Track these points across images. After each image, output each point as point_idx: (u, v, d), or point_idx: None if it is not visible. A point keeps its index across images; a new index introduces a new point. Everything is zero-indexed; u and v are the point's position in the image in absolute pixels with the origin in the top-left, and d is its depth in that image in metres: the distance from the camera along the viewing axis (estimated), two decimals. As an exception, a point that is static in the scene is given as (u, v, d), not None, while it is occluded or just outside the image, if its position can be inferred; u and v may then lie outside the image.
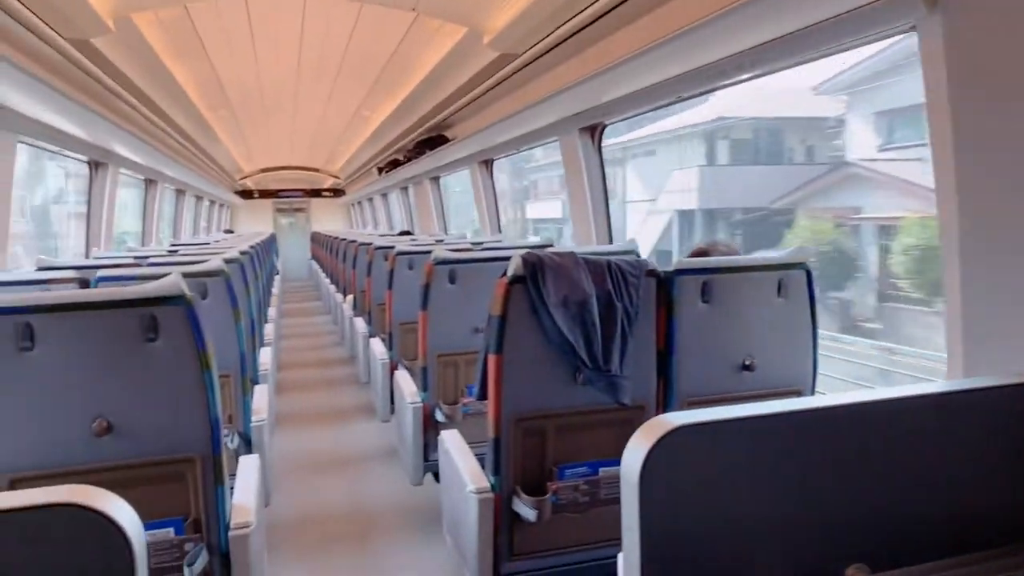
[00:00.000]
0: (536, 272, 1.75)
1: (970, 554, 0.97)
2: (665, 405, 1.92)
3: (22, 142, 3.35)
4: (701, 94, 2.85)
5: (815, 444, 0.92)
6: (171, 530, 1.51)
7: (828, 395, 0.99)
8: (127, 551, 0.76)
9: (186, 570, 1.48)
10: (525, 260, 1.76)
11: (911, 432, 0.97)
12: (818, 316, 1.98)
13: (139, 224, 6.86)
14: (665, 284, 1.87)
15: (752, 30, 2.10)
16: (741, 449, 0.90)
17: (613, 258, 1.87)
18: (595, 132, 3.70)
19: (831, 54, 2.13)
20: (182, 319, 1.48)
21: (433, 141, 6.23)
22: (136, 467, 1.48)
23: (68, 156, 4.48)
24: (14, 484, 1.41)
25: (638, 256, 2.48)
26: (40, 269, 2.48)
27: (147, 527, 1.48)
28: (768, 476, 0.91)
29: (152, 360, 1.48)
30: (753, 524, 0.90)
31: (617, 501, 1.86)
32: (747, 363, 1.93)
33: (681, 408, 1.69)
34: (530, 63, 3.44)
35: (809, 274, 1.96)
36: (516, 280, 1.76)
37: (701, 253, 2.07)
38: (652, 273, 1.88)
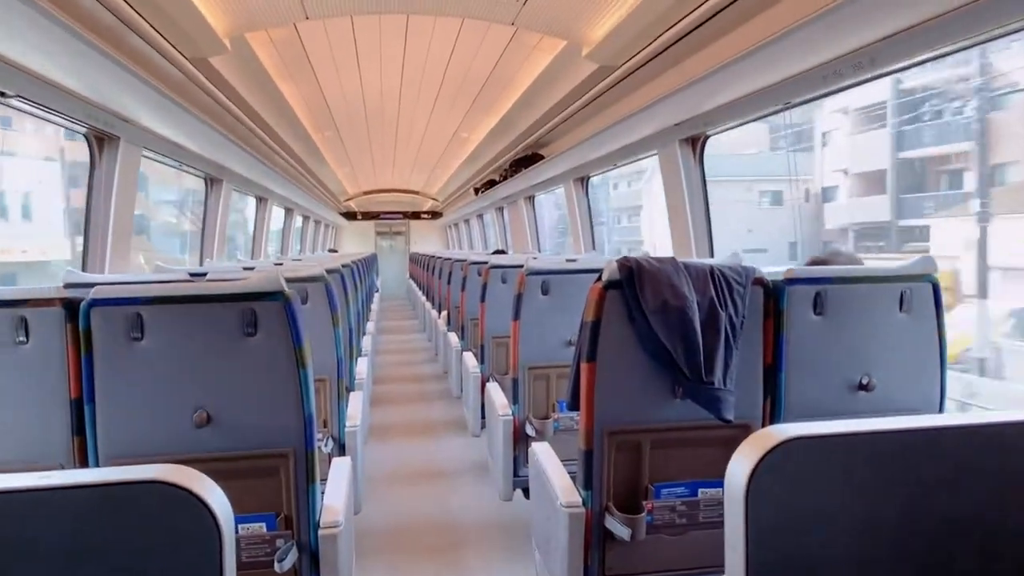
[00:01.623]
0: (633, 276, 1.67)
1: None
2: (772, 424, 1.79)
3: (146, 156, 3.61)
4: (813, 99, 2.68)
5: (936, 464, 0.84)
6: (263, 524, 1.53)
7: (951, 414, 0.88)
8: (217, 533, 0.76)
9: (276, 565, 1.49)
10: (621, 264, 1.69)
11: None
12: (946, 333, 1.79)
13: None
14: (774, 294, 1.75)
15: (868, 24, 1.96)
16: (858, 466, 0.82)
17: (717, 264, 1.76)
18: (696, 143, 3.59)
19: (964, 48, 1.94)
20: (280, 315, 1.51)
21: (528, 159, 6.26)
22: (232, 459, 1.51)
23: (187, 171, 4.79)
24: None
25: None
26: (157, 271, 2.63)
27: (240, 520, 1.51)
28: (883, 496, 0.83)
29: (250, 354, 1.51)
30: (865, 546, 0.83)
31: (716, 526, 1.76)
32: (864, 382, 1.77)
33: None
34: (629, 75, 3.39)
35: (936, 287, 1.78)
36: (611, 285, 1.68)
37: (819, 263, 1.92)
38: (760, 281, 1.76)
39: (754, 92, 2.74)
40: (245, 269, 2.82)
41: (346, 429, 2.50)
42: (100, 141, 3.21)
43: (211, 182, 5.19)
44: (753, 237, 9.27)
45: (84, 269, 3.23)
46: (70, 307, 1.50)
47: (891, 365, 1.78)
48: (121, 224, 3.34)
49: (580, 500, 1.73)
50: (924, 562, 0.84)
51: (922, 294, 1.77)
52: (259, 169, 5.58)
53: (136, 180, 3.43)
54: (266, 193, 6.91)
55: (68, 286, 1.70)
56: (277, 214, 8.70)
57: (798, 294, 1.73)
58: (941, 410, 1.82)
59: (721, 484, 1.73)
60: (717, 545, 1.74)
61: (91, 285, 1.50)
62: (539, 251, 7.53)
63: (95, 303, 1.45)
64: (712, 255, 3.61)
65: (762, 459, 0.79)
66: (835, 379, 1.78)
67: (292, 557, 1.53)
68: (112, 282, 1.52)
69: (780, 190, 9.61)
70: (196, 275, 2.36)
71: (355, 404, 2.71)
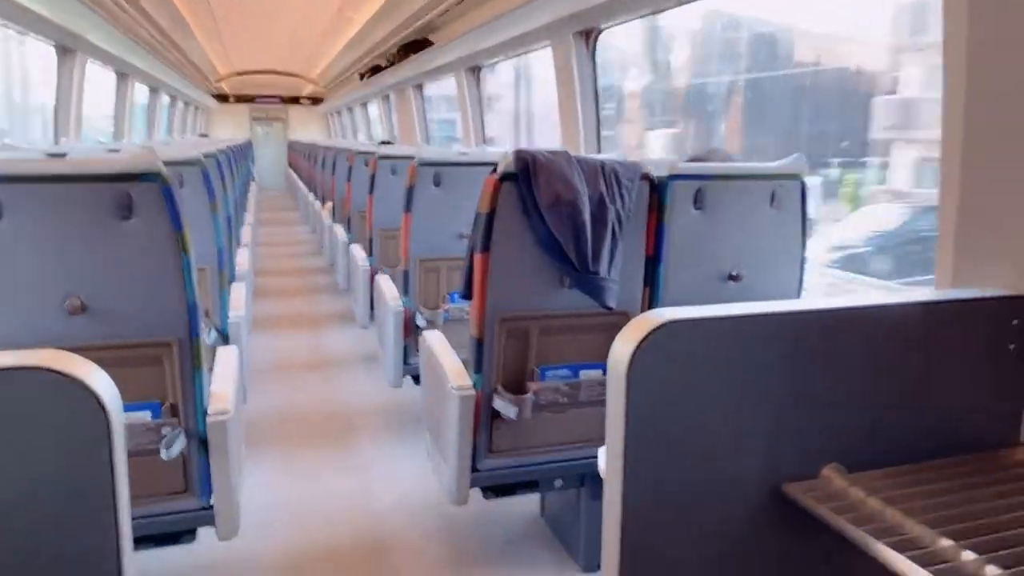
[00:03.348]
0: (528, 169, 1.69)
1: (945, 458, 0.99)
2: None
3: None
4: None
5: (802, 346, 0.92)
6: (148, 413, 1.50)
7: (818, 298, 0.98)
8: (105, 419, 0.74)
9: (163, 452, 1.47)
10: (517, 156, 1.70)
11: (897, 338, 0.98)
12: (808, 230, 1.96)
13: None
14: (658, 189, 1.83)
15: None
16: (729, 348, 0.89)
17: (608, 160, 1.81)
18: (590, 37, 3.56)
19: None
20: (158, 198, 1.42)
21: (417, 45, 5.96)
22: (112, 348, 1.45)
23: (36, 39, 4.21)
24: None
25: None
26: (4, 150, 2.36)
27: (124, 409, 1.47)
28: (753, 376, 0.91)
29: (127, 240, 1.42)
30: (737, 421, 0.91)
31: (595, 404, 1.89)
32: (734, 274, 1.92)
33: None
34: None
35: (803, 185, 1.92)
36: (507, 177, 1.70)
37: (698, 160, 2.02)
38: (646, 177, 1.83)
39: None
40: (109, 151, 2.58)
41: (229, 320, 2.43)
42: None
43: (63, 52, 4.60)
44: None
45: None
46: None
47: (759, 258, 1.93)
48: None
49: (471, 383, 1.81)
50: (788, 436, 0.93)
51: (791, 192, 1.91)
52: (119, 40, 4.98)
53: None
54: (127, 68, 6.22)
55: None
56: (142, 95, 7.88)
57: (681, 189, 1.82)
58: (799, 297, 2.02)
59: (600, 366, 1.88)
60: (595, 422, 1.90)
61: None
62: (427, 143, 7.34)
63: None
64: (599, 151, 3.68)
65: (643, 341, 0.83)
66: (709, 270, 1.91)
67: (180, 444, 1.51)
68: None
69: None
70: (54, 155, 2.15)
71: (238, 294, 2.63)
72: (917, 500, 0.87)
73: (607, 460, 0.89)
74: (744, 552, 0.95)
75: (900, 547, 0.77)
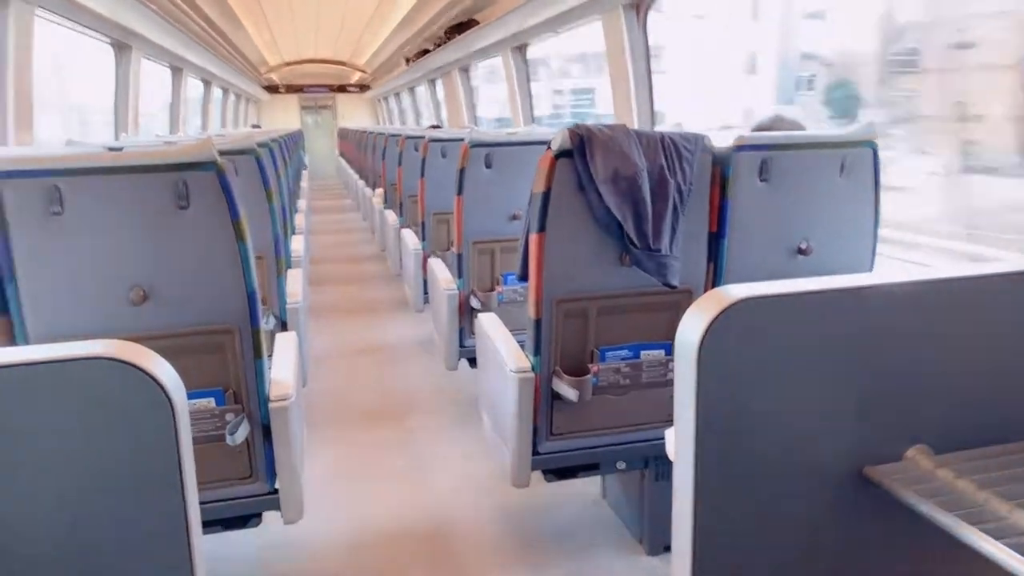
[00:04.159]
0: (584, 145, 1.64)
1: None
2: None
3: (41, 16, 3.22)
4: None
5: (883, 321, 0.86)
6: (212, 399, 1.52)
7: (900, 271, 0.91)
8: (169, 407, 0.73)
9: (228, 438, 1.49)
10: (573, 132, 1.65)
11: (986, 311, 0.91)
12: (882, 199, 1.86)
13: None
14: (721, 161, 1.76)
15: None
16: (806, 325, 0.84)
17: (668, 132, 1.75)
18: (640, 8, 3.45)
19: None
20: (214, 186, 1.42)
21: (463, 27, 5.93)
22: (175, 336, 1.47)
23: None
24: None
25: None
26: (68, 146, 2.43)
27: (189, 396, 1.49)
28: (832, 354, 0.85)
29: (185, 228, 1.43)
30: (815, 402, 0.86)
31: (655, 385, 1.84)
32: (802, 247, 1.83)
33: None
34: None
35: (875, 152, 1.82)
36: (562, 154, 1.65)
37: (764, 129, 1.93)
38: (709, 149, 1.75)
39: None
40: (166, 144, 2.63)
41: (287, 306, 2.46)
42: None
43: (119, 48, 4.72)
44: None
45: None
46: None
47: (828, 229, 1.84)
48: (21, 93, 3.03)
49: (529, 366, 1.78)
50: (870, 417, 0.88)
51: (862, 160, 1.80)
52: (172, 34, 5.09)
53: (31, 43, 3.07)
54: (181, 62, 6.36)
55: None
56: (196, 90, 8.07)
57: (745, 161, 1.74)
58: (871, 271, 1.92)
59: (662, 346, 1.82)
60: (658, 403, 1.85)
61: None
62: (475, 126, 7.31)
63: (6, 175, 1.32)
64: (653, 126, 3.59)
65: (715, 319, 0.79)
66: (775, 244, 1.83)
67: (244, 430, 1.53)
68: (11, 157, 1.38)
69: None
70: (112, 149, 2.19)
71: (294, 281, 2.66)
72: (1012, 483, 0.80)
73: (676, 442, 0.85)
74: (823, 537, 0.90)
75: (995, 534, 0.71)
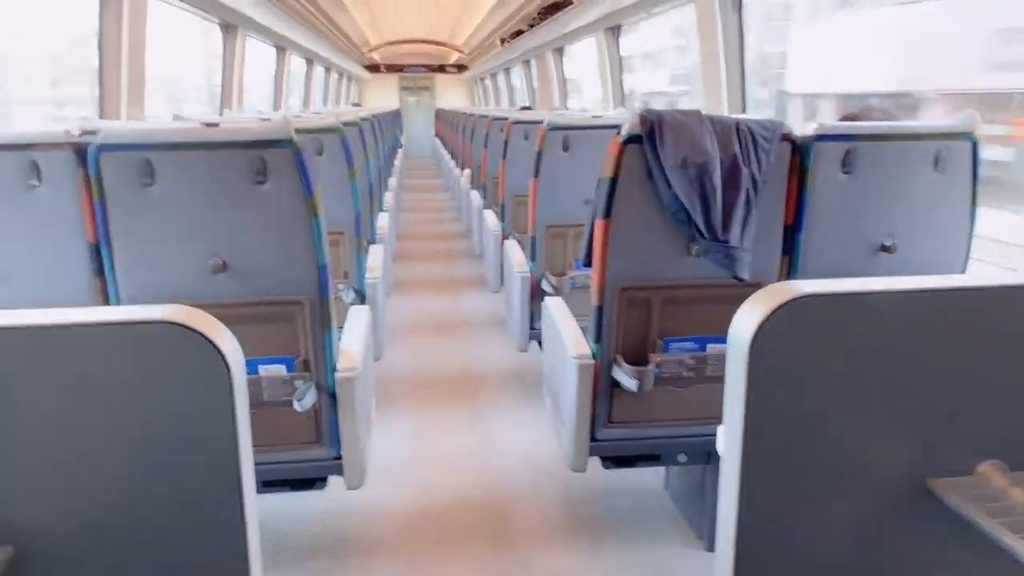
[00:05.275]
0: (654, 131, 1.60)
1: None
2: None
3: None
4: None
5: (960, 326, 0.80)
6: (283, 367, 1.60)
7: (978, 274, 0.84)
8: (227, 373, 0.77)
9: (296, 404, 1.57)
10: (643, 117, 1.61)
11: None
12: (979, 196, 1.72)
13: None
14: (801, 150, 1.67)
15: None
16: (872, 326, 0.79)
17: (744, 119, 1.68)
18: (736, -12, 3.31)
19: None
20: (289, 163, 1.49)
21: (558, 6, 5.88)
22: (249, 305, 1.55)
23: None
24: None
25: None
26: (175, 120, 2.60)
27: (261, 362, 1.58)
28: (900, 358, 0.80)
29: (262, 202, 1.51)
30: (877, 407, 0.81)
31: (721, 379, 1.79)
32: (887, 244, 1.72)
33: None
34: None
35: (976, 145, 1.68)
36: (631, 140, 1.62)
37: (852, 119, 1.82)
38: (787, 138, 1.68)
39: None
40: (262, 120, 2.77)
41: (366, 281, 2.55)
42: None
43: (226, 29, 4.99)
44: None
45: (101, 117, 3.20)
46: (80, 152, 1.49)
47: (917, 226, 1.73)
48: (134, 72, 3.26)
49: (590, 352, 1.77)
50: (937, 428, 0.83)
51: (959, 153, 1.68)
52: (276, 14, 5.32)
53: (145, 23, 3.30)
54: (284, 42, 6.64)
55: (84, 133, 1.69)
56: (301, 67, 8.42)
57: (827, 151, 1.66)
58: (963, 272, 1.79)
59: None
60: (721, 398, 1.80)
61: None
62: (566, 108, 7.26)
63: (104, 148, 1.44)
64: (744, 111, 3.45)
65: (771, 314, 0.76)
66: (857, 240, 1.73)
67: (311, 398, 1.61)
68: (120, 130, 1.50)
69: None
70: (210, 124, 2.33)
71: (375, 257, 2.75)
72: None
73: (724, 439, 0.84)
74: (876, 548, 0.86)
75: None
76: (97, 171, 1.45)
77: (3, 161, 1.51)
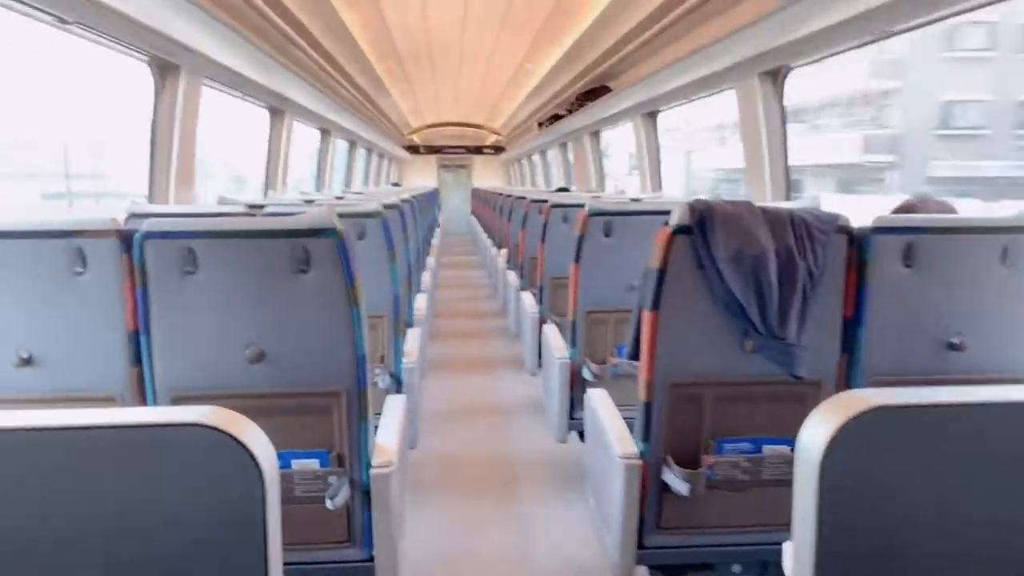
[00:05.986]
0: (705, 221, 1.55)
1: None
2: (847, 383, 1.68)
3: (207, 85, 3.60)
4: (918, 26, 2.41)
5: None
6: (316, 461, 1.54)
7: None
8: (259, 477, 0.73)
9: (328, 503, 1.49)
10: (692, 208, 1.57)
11: None
12: None
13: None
14: (858, 242, 1.61)
15: None
16: (954, 440, 0.72)
17: (798, 210, 1.63)
18: (777, 76, 3.33)
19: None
20: (332, 252, 1.47)
21: (595, 93, 6.02)
22: (285, 396, 1.51)
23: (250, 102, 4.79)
24: (175, 403, 1.49)
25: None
26: (220, 203, 2.65)
27: (294, 456, 1.52)
28: (985, 474, 0.73)
29: (303, 291, 1.49)
30: (963, 527, 0.74)
31: (779, 483, 1.67)
32: (955, 342, 1.62)
33: (866, 388, 1.46)
34: (705, 2, 3.14)
35: None
36: (681, 230, 1.57)
37: (907, 209, 1.76)
38: (844, 229, 1.61)
39: (845, 20, 2.49)
40: (306, 202, 2.82)
41: (403, 366, 2.50)
42: (162, 71, 3.21)
43: (274, 113, 5.19)
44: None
45: (150, 200, 3.29)
46: (126, 239, 1.50)
47: (987, 324, 1.63)
48: (184, 155, 3.37)
49: (637, 451, 1.67)
50: (1018, 555, 0.75)
51: None
52: (321, 100, 5.53)
53: (197, 110, 3.43)
54: (329, 125, 6.90)
55: (132, 216, 1.71)
56: (343, 149, 8.73)
57: (886, 244, 1.59)
58: None
59: (788, 441, 1.66)
60: (778, 503, 1.68)
61: (153, 216, 1.50)
62: (602, 190, 7.34)
63: (148, 236, 1.44)
64: (788, 198, 3.40)
65: (843, 426, 0.70)
66: (922, 337, 1.64)
67: (344, 495, 1.54)
68: (168, 214, 1.51)
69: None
70: (255, 207, 2.37)
71: (413, 340, 2.71)
72: None
73: (794, 559, 0.76)
74: None
75: None
76: (141, 259, 1.44)
77: (51, 248, 1.52)
